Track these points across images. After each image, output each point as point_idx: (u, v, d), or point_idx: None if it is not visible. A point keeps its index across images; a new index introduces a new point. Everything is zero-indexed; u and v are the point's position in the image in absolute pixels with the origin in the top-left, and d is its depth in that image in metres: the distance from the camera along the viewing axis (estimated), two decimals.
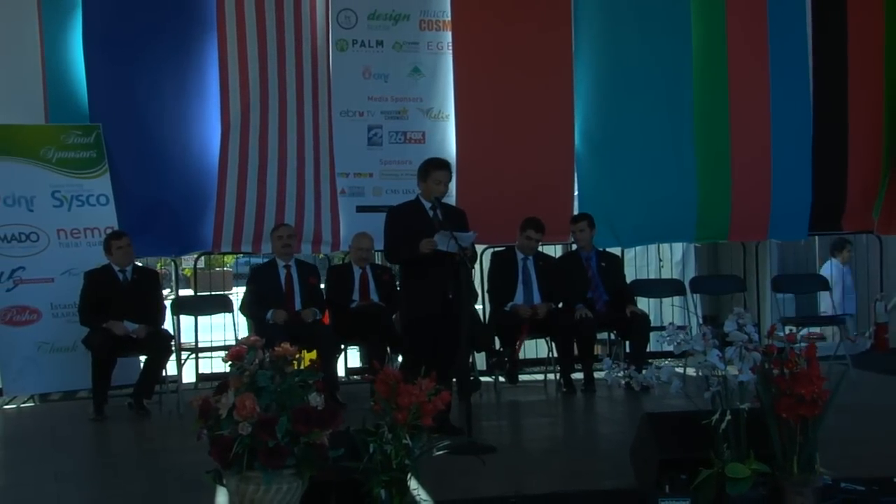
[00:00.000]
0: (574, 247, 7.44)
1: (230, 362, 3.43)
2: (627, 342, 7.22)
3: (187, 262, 8.70)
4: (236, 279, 15.86)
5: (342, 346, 7.13)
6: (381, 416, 3.57)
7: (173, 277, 8.39)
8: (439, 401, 3.57)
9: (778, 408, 3.66)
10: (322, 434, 3.36)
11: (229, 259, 14.19)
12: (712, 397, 3.77)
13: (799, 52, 7.89)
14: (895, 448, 4.93)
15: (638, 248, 8.98)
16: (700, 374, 3.84)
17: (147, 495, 4.46)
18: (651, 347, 7.45)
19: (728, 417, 3.68)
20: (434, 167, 5.59)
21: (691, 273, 9.39)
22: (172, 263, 8.49)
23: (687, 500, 3.68)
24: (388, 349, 6.69)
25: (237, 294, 7.67)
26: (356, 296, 7.01)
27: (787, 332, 4.28)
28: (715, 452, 3.70)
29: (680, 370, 4.09)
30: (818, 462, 3.70)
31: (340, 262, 7.75)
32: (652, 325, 7.13)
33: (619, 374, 6.60)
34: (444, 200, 5.70)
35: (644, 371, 3.94)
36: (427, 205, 5.57)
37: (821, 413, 3.65)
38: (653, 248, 9.40)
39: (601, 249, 7.41)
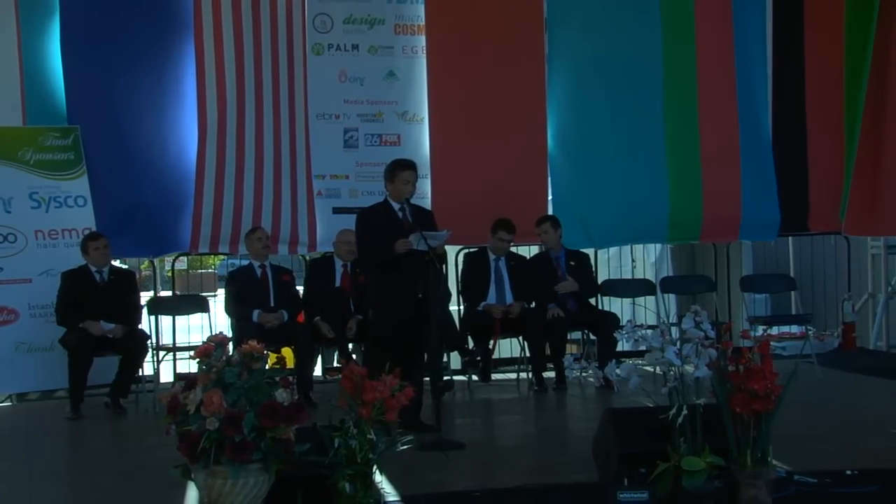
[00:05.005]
0: None
1: (198, 359, 3.52)
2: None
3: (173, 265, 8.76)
4: (221, 281, 15.82)
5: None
6: (347, 411, 3.67)
7: (157, 279, 8.45)
8: (403, 396, 3.67)
9: (732, 403, 3.76)
10: (288, 429, 3.44)
11: (212, 260, 14.21)
12: (669, 393, 3.88)
13: (762, 56, 8.05)
14: (854, 443, 5.05)
15: (614, 249, 9.12)
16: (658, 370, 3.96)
17: (119, 492, 4.52)
18: (626, 347, 7.56)
19: (684, 412, 3.79)
20: (400, 168, 5.66)
21: (667, 274, 9.52)
22: (152, 265, 8.54)
23: (645, 493, 3.77)
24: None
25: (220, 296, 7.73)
26: (338, 285, 7.08)
27: (745, 329, 4.39)
28: (672, 446, 3.81)
29: (650, 368, 4.18)
30: (771, 455, 3.81)
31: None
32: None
33: (583, 372, 6.85)
34: (418, 201, 5.79)
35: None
36: (396, 206, 5.65)
37: (774, 408, 3.76)
38: (628, 249, 9.53)
39: (571, 249, 7.52)
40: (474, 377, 7.29)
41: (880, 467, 4.34)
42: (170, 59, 7.40)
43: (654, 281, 8.42)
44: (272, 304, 6.83)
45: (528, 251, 8.06)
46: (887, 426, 5.31)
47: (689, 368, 3.84)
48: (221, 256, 8.57)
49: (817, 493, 4.00)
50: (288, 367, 6.89)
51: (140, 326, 6.84)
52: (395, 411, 3.66)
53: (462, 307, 7.47)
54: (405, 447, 3.81)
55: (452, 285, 7.57)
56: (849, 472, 4.22)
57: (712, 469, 3.74)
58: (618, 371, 4.04)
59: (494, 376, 7.49)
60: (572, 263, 7.35)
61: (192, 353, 7.25)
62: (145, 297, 7.56)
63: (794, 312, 9.02)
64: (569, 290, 7.14)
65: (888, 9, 7.80)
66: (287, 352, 7.08)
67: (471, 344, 7.20)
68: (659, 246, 9.65)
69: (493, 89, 7.71)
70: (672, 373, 3.86)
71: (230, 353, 3.52)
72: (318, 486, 3.63)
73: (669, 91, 7.93)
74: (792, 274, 9.57)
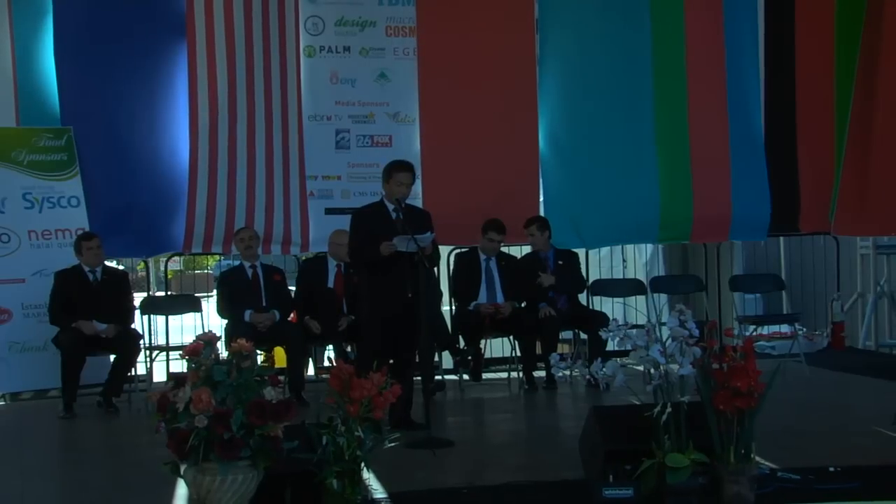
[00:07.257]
0: None
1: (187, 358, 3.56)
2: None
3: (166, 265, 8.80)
4: (216, 281, 15.80)
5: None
6: (335, 409, 3.71)
7: (150, 279, 8.49)
8: (391, 394, 3.71)
9: (716, 400, 3.81)
10: (276, 426, 3.48)
11: (207, 261, 14.25)
12: (654, 391, 3.93)
13: (753, 58, 8.11)
14: (838, 441, 5.11)
15: (606, 249, 9.17)
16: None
17: (110, 489, 4.55)
18: (616, 346, 7.60)
19: (669, 410, 3.83)
20: (396, 169, 5.69)
21: (660, 274, 9.56)
22: (146, 265, 8.59)
23: (629, 490, 3.83)
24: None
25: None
26: (331, 285, 7.12)
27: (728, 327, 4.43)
28: (656, 443, 3.86)
29: (641, 367, 4.21)
30: (754, 452, 3.86)
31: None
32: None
33: (573, 371, 6.87)
34: (411, 202, 5.83)
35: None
36: (390, 206, 5.69)
37: (756, 405, 3.81)
38: (620, 248, 9.58)
39: (559, 248, 7.57)
40: (465, 376, 7.35)
41: (863, 464, 4.39)
42: (162, 60, 7.44)
43: (644, 281, 8.47)
44: (264, 304, 6.86)
45: (520, 251, 8.11)
46: (872, 424, 5.36)
47: (673, 367, 3.90)
48: (217, 257, 8.59)
49: (800, 490, 4.03)
50: (279, 365, 6.98)
51: (133, 326, 6.87)
52: (382, 409, 3.70)
53: (453, 307, 7.52)
54: (393, 444, 3.86)
55: (444, 285, 7.63)
56: (832, 469, 4.27)
57: (696, 466, 3.79)
58: (604, 369, 4.09)
59: (485, 375, 7.54)
60: (561, 262, 7.40)
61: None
62: (140, 297, 7.60)
63: (784, 312, 9.07)
64: (548, 284, 7.18)
65: (876, 10, 7.85)
66: (279, 351, 7.14)
67: (462, 343, 7.25)
68: (651, 246, 9.71)
69: (485, 90, 7.75)
70: (657, 371, 3.91)
71: (218, 352, 3.56)
72: (307, 484, 3.67)
73: (659, 91, 7.97)
74: (782, 274, 9.63)
